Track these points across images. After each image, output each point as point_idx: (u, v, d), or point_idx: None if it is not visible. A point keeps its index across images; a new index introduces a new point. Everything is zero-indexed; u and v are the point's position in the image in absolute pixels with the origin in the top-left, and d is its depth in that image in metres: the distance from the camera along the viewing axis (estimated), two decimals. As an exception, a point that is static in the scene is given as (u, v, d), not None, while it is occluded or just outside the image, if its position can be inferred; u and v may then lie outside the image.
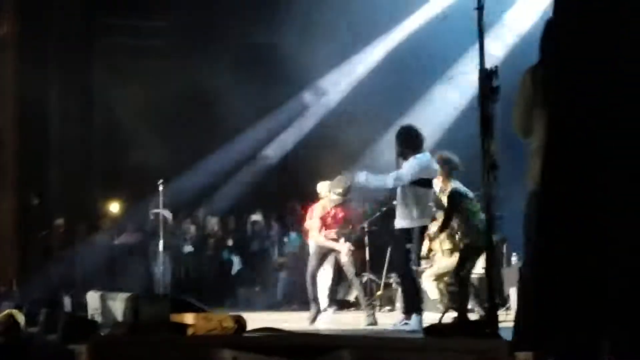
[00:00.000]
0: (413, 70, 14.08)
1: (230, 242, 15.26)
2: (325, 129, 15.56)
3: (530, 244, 4.82)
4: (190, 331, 4.06)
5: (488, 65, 5.18)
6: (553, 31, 4.74)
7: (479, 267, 9.39)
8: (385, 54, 15.22)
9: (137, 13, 15.99)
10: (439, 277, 9.86)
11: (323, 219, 11.09)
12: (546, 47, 4.77)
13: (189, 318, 4.17)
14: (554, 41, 4.54)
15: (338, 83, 15.61)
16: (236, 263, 15.00)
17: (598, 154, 3.78)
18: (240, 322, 4.22)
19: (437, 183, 8.84)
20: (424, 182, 8.24)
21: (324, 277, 11.46)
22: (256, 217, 15.08)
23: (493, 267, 5.45)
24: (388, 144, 14.24)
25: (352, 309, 12.61)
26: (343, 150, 14.73)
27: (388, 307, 12.18)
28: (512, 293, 9.82)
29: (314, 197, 12.48)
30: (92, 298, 8.83)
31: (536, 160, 4.75)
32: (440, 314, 8.05)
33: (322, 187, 11.34)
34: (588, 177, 3.77)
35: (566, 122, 4.02)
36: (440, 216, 9.76)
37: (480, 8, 5.42)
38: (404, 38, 14.92)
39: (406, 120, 14.38)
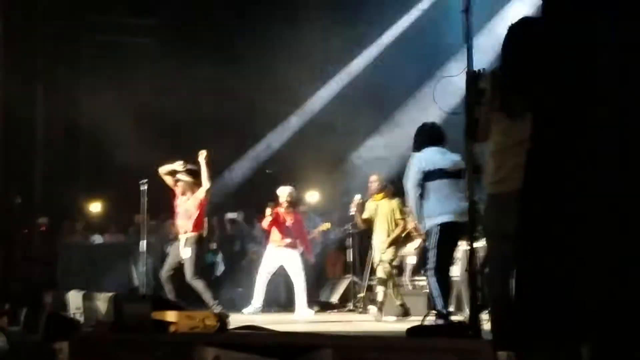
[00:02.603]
0: (399, 73, 14.08)
1: (214, 245, 15.23)
2: (310, 130, 15.56)
3: (494, 245, 4.86)
4: (172, 329, 4.04)
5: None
6: (515, 36, 4.83)
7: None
8: (372, 58, 15.21)
9: (124, 11, 15.94)
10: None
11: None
12: (509, 52, 4.85)
13: (171, 316, 4.15)
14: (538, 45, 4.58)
15: (324, 86, 15.59)
16: (219, 264, 14.96)
17: (578, 158, 3.79)
18: (223, 320, 4.20)
19: None
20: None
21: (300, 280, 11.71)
22: (232, 215, 15.06)
23: (476, 269, 5.45)
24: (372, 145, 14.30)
25: (335, 310, 12.62)
26: (324, 152, 14.76)
27: (373, 309, 12.17)
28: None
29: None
30: (74, 297, 8.79)
31: (491, 164, 4.84)
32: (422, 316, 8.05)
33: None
34: (569, 182, 3.79)
35: (548, 126, 4.05)
36: None
37: (467, 10, 5.42)
38: (390, 43, 14.92)
39: (388, 124, 14.47)
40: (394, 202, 10.58)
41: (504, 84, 4.76)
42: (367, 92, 14.74)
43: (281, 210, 11.85)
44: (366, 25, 14.53)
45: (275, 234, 11.84)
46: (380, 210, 10.61)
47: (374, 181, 10.77)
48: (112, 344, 3.60)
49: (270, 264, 11.82)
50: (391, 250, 10.53)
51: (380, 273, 10.48)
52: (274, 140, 16.14)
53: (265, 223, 11.94)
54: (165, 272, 10.45)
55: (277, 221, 11.80)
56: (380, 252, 10.54)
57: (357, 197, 10.96)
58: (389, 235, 10.50)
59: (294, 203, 12.03)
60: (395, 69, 14.22)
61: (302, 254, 12.04)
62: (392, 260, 10.58)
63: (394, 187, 10.71)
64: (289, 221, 11.87)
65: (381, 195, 10.67)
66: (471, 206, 5.40)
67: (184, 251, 10.29)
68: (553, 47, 3.96)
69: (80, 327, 7.09)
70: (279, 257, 11.79)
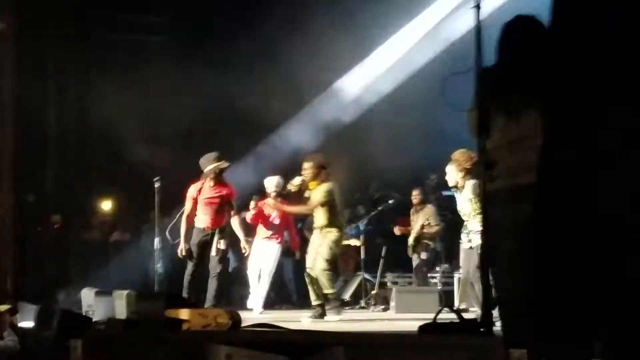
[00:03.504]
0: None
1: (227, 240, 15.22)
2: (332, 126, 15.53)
3: (495, 242, 4.86)
4: (185, 327, 4.06)
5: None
6: (511, 34, 4.86)
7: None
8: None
9: (135, 8, 15.95)
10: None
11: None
12: (505, 50, 4.87)
13: (184, 313, 4.17)
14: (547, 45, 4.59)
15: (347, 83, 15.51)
16: (232, 261, 14.96)
17: (585, 156, 3.79)
18: (235, 318, 4.22)
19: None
20: None
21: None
22: (245, 214, 15.00)
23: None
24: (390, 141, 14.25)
25: (347, 308, 12.60)
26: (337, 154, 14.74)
27: (382, 306, 12.18)
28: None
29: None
30: (87, 295, 8.84)
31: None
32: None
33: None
34: (582, 180, 3.79)
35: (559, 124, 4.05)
36: None
37: (477, 6, 5.41)
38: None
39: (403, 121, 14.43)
40: (325, 186, 9.75)
41: (501, 82, 4.80)
42: (379, 93, 14.71)
43: (269, 201, 11.29)
44: (374, 28, 14.48)
45: (260, 227, 11.57)
46: (314, 198, 9.80)
47: (307, 168, 9.88)
48: (125, 341, 3.62)
49: (256, 259, 11.50)
50: (327, 250, 9.72)
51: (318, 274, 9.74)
52: (286, 139, 16.09)
53: (249, 216, 11.60)
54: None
55: (261, 214, 11.51)
56: (316, 248, 9.79)
57: (297, 179, 10.02)
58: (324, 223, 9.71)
59: (282, 194, 11.36)
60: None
61: (287, 248, 11.92)
62: (329, 263, 9.75)
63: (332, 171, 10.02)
64: (274, 213, 11.51)
65: (315, 182, 9.81)
66: (484, 203, 5.41)
67: (222, 243, 10.25)
68: (558, 45, 3.96)
69: (94, 325, 7.13)
70: (261, 250, 11.50)
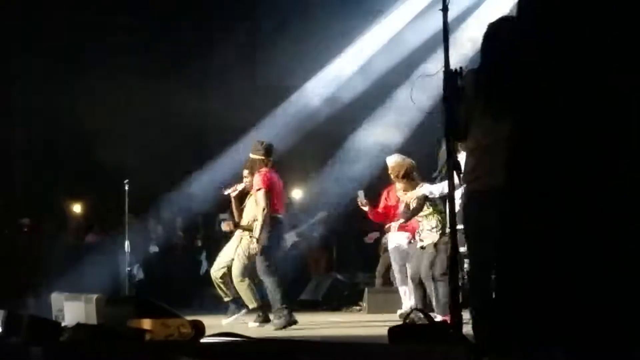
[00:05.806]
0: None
1: (199, 243, 15.18)
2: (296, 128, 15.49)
3: (472, 243, 4.86)
4: (148, 337, 4.00)
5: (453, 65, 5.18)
6: (495, 36, 4.85)
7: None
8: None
9: (109, 9, 15.82)
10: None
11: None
12: (490, 52, 4.86)
13: (146, 324, 4.11)
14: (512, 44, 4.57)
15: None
16: (205, 263, 14.90)
17: (561, 157, 3.78)
18: (199, 328, 4.16)
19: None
20: None
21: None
22: (224, 216, 14.91)
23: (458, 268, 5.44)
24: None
25: (319, 308, 12.49)
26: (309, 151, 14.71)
27: (357, 307, 12.15)
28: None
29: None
30: (57, 299, 8.73)
31: (469, 162, 4.87)
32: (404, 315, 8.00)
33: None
34: (550, 181, 3.77)
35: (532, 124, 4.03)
36: None
37: (445, 9, 5.40)
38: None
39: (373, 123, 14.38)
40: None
41: (488, 85, 4.76)
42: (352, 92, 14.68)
43: (398, 186, 9.05)
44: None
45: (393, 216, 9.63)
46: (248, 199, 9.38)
47: (246, 175, 9.42)
48: (88, 351, 3.56)
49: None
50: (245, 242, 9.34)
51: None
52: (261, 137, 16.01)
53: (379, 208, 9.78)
54: None
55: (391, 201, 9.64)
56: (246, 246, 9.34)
57: (240, 185, 9.58)
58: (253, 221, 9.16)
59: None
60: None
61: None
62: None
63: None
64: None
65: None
66: (451, 203, 5.44)
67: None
68: (530, 46, 3.94)
69: (62, 330, 7.04)
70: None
